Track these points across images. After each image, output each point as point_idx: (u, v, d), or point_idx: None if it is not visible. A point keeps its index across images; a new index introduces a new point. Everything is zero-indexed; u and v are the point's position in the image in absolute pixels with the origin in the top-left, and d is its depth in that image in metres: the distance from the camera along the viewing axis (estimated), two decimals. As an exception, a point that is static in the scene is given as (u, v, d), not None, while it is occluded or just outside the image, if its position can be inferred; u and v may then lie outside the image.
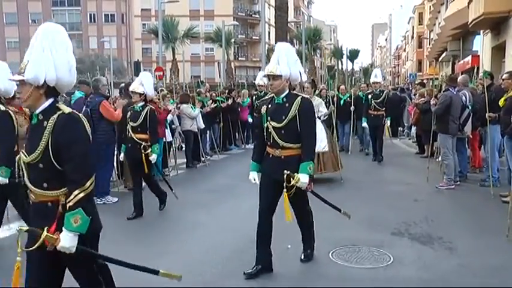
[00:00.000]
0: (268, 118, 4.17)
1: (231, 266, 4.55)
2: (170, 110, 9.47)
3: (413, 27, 61.11)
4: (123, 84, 9.33)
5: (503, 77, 7.36)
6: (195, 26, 39.54)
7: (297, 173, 3.99)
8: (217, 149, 12.60)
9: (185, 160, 10.90)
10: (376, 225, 5.92)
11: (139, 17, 53.13)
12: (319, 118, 8.59)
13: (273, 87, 4.16)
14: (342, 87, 14.21)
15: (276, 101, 4.21)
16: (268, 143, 4.22)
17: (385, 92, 11.40)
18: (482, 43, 19.79)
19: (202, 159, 11.32)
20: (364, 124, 11.40)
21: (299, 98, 4.12)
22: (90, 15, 51.39)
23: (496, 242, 5.22)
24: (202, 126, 11.02)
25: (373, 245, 5.10)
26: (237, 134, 14.37)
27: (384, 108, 10.91)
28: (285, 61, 4.12)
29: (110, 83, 8.32)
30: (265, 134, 4.23)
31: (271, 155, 4.23)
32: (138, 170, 6.57)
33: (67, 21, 51.57)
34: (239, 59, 53.41)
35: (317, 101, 8.57)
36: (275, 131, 4.12)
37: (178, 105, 10.56)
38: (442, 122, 8.16)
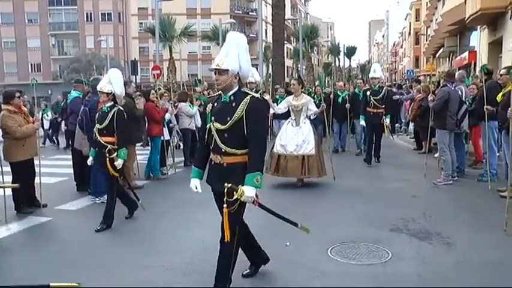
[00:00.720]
0: (212, 118, 3.66)
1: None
2: (167, 109, 9.45)
3: (410, 23, 61.13)
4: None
5: (501, 72, 7.39)
6: (192, 24, 39.41)
7: (242, 184, 3.48)
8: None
9: (183, 158, 10.89)
10: (375, 221, 5.92)
11: (136, 15, 52.99)
12: (309, 117, 8.29)
13: (218, 83, 3.62)
14: (340, 83, 13.44)
15: (222, 99, 3.67)
16: (211, 147, 3.71)
17: (384, 88, 10.50)
18: (479, 39, 19.79)
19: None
20: (362, 122, 10.47)
21: (248, 97, 3.57)
22: (87, 14, 51.20)
23: (494, 236, 5.23)
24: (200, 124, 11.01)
25: (371, 242, 5.10)
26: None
27: (383, 106, 10.12)
28: (235, 54, 3.58)
29: (107, 82, 8.32)
30: (207, 136, 3.74)
31: (213, 162, 3.74)
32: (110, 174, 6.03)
33: (64, 20, 51.52)
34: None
35: (305, 99, 8.19)
36: (217, 134, 3.60)
37: (176, 104, 10.56)
38: (439, 118, 8.17)
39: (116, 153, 5.90)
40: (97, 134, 6.04)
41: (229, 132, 3.59)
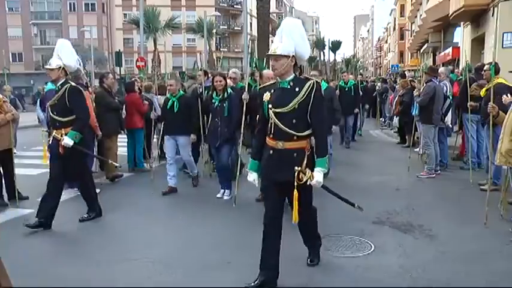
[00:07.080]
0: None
1: (211, 258, 4.52)
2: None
3: (395, 19, 61.54)
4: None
5: (484, 68, 7.52)
6: (177, 16, 39.23)
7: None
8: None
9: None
10: (358, 214, 5.92)
11: (120, 6, 52.39)
12: None
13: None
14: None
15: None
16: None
17: (310, 82, 3.74)
18: (463, 35, 20.02)
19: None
20: (252, 176, 4.03)
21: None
22: (70, 4, 50.38)
23: (474, 229, 5.32)
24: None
25: (354, 234, 5.15)
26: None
27: (306, 133, 3.78)
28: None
29: (91, 73, 8.11)
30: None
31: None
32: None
33: (46, 9, 50.64)
34: (221, 49, 53.16)
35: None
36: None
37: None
38: (425, 113, 8.26)
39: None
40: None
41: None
